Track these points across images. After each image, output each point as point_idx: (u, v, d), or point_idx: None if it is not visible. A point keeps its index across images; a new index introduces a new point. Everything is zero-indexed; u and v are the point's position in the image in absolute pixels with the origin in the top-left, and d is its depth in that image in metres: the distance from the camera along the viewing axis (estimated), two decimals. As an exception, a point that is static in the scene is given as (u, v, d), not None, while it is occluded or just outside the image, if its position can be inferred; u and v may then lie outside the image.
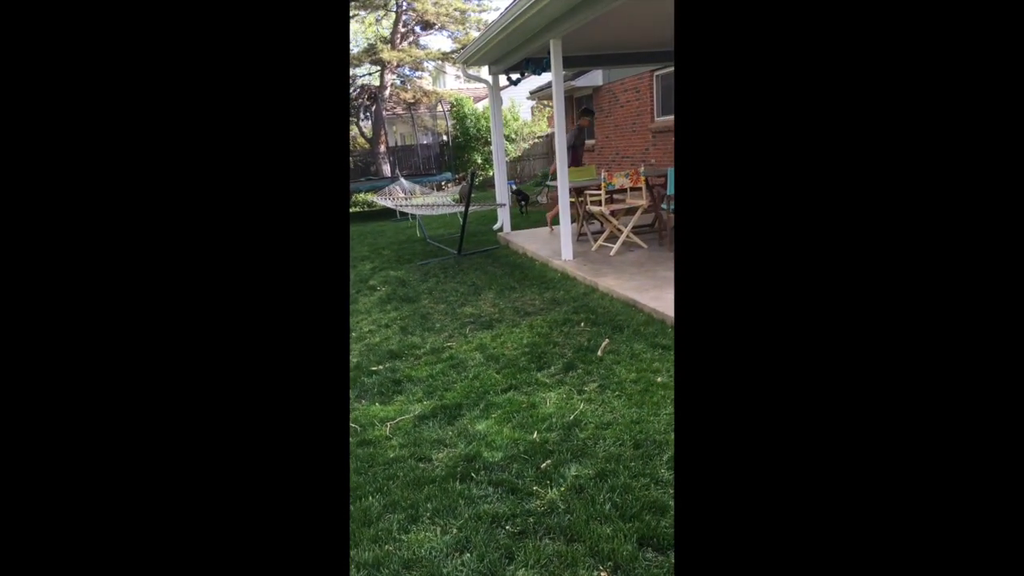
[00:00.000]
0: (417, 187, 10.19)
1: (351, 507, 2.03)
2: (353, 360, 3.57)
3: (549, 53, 5.43)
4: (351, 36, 18.23)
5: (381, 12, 14.73)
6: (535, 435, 2.43)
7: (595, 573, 1.65)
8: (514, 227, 7.77)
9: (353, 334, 4.11)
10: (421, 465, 2.29)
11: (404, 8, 13.99)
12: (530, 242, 6.65)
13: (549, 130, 15.50)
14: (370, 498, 2.07)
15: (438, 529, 1.88)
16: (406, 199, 8.92)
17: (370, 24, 16.30)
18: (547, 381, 2.99)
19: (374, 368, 3.40)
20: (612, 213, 5.85)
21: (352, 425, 2.69)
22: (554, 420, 2.54)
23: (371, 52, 13.97)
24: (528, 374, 3.09)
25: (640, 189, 5.85)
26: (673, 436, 2.19)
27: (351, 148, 15.28)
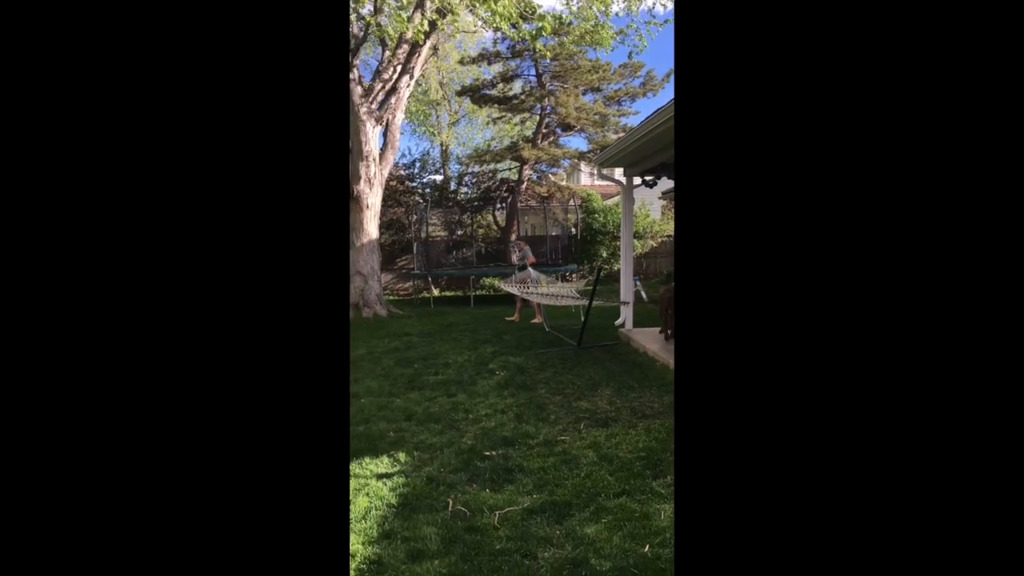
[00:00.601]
0: (543, 276, 10.51)
1: (454, 594, 2.03)
2: (468, 443, 3.65)
3: (686, 159, 5.55)
4: (499, 136, 19.75)
5: (526, 115, 15.93)
6: (647, 548, 2.32)
7: None
8: (636, 324, 7.69)
9: (469, 416, 4.22)
10: (527, 562, 2.25)
11: (548, 112, 15.04)
12: (651, 341, 6.53)
13: (678, 230, 15.46)
14: (474, 588, 2.07)
15: (539, 634, 1.83)
16: (531, 287, 9.21)
17: (515, 125, 17.65)
18: (662, 491, 2.85)
19: (487, 453, 3.45)
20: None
21: (462, 509, 2.72)
22: (668, 536, 2.41)
23: (513, 149, 15.03)
24: (643, 481, 2.98)
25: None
26: None
27: (484, 234, 16.20)
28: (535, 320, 8.71)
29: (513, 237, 14.96)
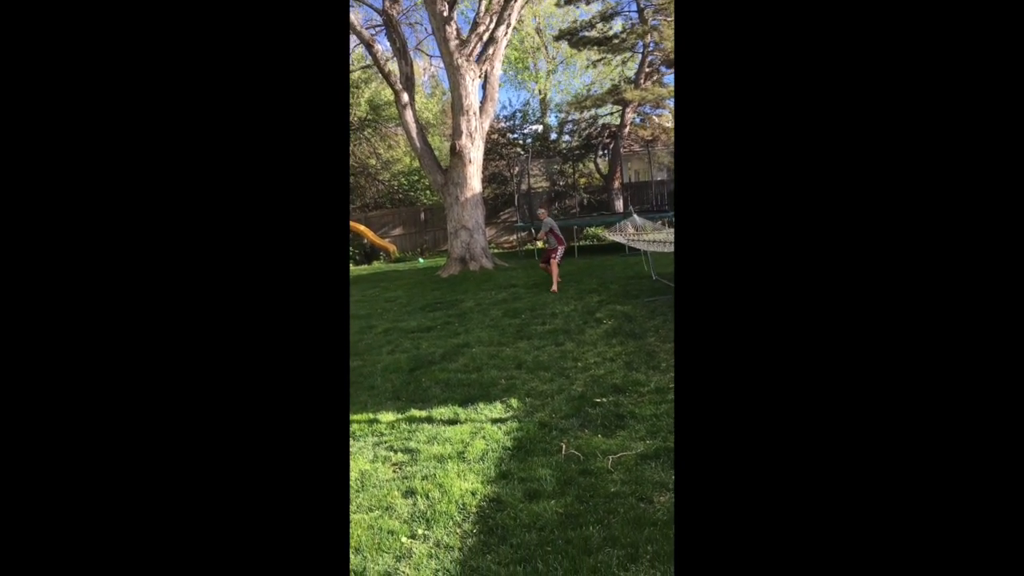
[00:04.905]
0: (648, 223, 10.18)
1: (571, 533, 2.09)
2: (578, 390, 3.68)
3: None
4: (599, 79, 19.06)
5: (627, 55, 15.19)
6: (768, 498, 2.24)
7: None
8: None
9: (578, 364, 4.25)
10: (642, 505, 2.26)
11: (651, 49, 14.23)
12: (769, 287, 6.17)
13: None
14: (591, 528, 2.11)
15: (658, 574, 1.84)
16: (637, 235, 8.95)
17: (615, 67, 16.91)
18: (784, 441, 2.74)
19: (597, 400, 3.46)
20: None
21: (575, 452, 2.77)
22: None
23: (614, 92, 14.44)
24: (762, 430, 2.87)
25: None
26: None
27: (587, 183, 15.90)
28: (553, 289, 7.55)
29: (616, 185, 14.56)
